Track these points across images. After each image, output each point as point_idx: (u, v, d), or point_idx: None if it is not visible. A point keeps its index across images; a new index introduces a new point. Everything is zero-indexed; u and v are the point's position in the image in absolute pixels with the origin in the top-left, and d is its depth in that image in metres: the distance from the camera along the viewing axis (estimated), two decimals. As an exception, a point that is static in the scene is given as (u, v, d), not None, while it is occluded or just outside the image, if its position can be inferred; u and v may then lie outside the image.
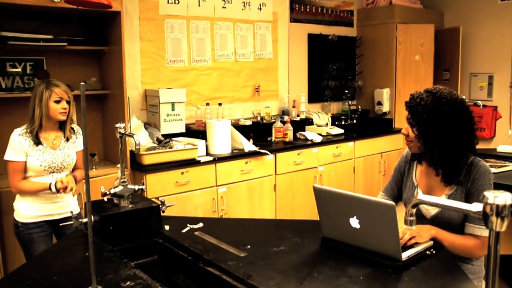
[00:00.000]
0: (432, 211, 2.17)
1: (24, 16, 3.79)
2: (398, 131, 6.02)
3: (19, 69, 3.93)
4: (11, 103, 3.81)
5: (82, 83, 1.53)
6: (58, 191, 2.82)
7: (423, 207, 2.20)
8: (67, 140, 3.01)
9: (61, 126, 3.01)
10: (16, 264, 3.33)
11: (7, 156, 2.84)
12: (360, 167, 5.60)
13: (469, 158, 2.13)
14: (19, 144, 2.82)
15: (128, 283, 1.64)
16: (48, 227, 2.95)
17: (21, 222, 2.90)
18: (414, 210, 1.27)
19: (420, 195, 1.15)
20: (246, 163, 4.49)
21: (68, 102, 2.93)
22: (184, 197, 4.07)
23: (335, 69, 6.24)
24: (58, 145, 2.96)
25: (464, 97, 2.20)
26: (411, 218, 1.30)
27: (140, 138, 4.16)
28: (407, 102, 2.17)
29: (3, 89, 3.85)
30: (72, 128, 3.07)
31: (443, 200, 1.14)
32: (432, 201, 1.14)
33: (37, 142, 2.86)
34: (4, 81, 3.86)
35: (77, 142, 3.08)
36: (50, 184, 2.84)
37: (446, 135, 2.06)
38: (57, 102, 2.87)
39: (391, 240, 1.76)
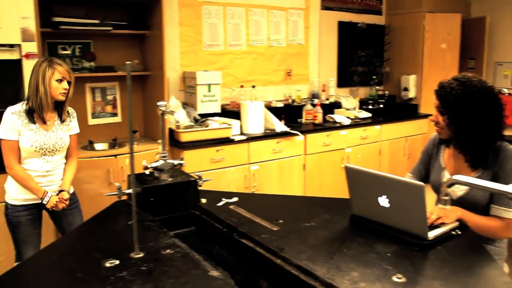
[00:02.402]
0: (458, 192, 2.10)
1: (73, 2, 3.81)
2: (424, 116, 5.90)
3: (69, 51, 3.98)
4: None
5: (128, 62, 1.52)
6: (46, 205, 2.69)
7: (450, 188, 2.13)
8: (62, 122, 2.79)
9: (56, 107, 2.77)
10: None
11: (0, 134, 2.63)
12: (386, 150, 5.50)
13: (496, 143, 2.05)
14: (12, 122, 2.60)
15: (168, 251, 1.64)
16: (37, 210, 2.77)
17: (10, 204, 2.72)
18: (449, 190, 1.22)
19: (455, 176, 1.10)
20: (278, 142, 4.46)
21: (69, 83, 2.70)
22: (218, 173, 4.07)
23: (364, 56, 6.12)
24: (51, 126, 2.73)
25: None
26: (446, 198, 1.25)
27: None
28: (437, 91, 2.08)
29: (54, 69, 3.90)
30: (67, 111, 2.84)
31: (478, 180, 1.09)
32: (467, 181, 1.09)
33: (32, 121, 2.65)
34: (55, 61, 3.90)
35: (71, 125, 2.86)
36: (45, 193, 2.68)
37: (477, 123, 1.98)
38: (59, 81, 2.65)
39: (419, 220, 1.71)
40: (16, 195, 2.71)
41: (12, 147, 2.63)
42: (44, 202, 2.69)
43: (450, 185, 1.23)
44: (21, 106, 2.66)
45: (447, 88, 2.02)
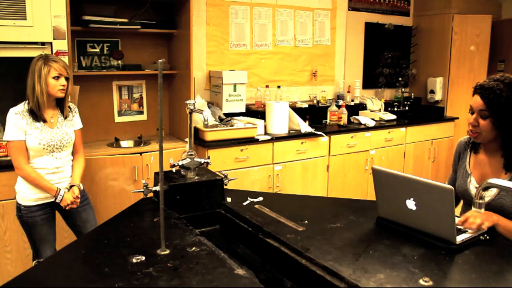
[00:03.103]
0: (485, 198, 2.06)
1: (103, 1, 3.86)
2: (450, 119, 5.81)
3: (97, 50, 4.04)
4: (89, 80, 3.93)
5: (160, 61, 1.54)
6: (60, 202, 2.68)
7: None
8: (65, 118, 2.77)
9: (58, 104, 2.75)
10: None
11: (7, 136, 2.60)
12: (411, 153, 5.43)
13: None
14: (17, 123, 2.58)
15: (193, 248, 1.65)
16: (51, 209, 2.76)
17: (23, 205, 2.68)
18: (484, 193, 1.20)
19: (491, 180, 1.07)
20: (302, 143, 4.45)
21: (66, 79, 2.66)
22: (242, 172, 4.08)
23: (390, 57, 6.06)
24: (55, 123, 2.71)
25: None
26: (481, 201, 1.23)
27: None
28: (484, 93, 1.98)
29: (83, 67, 3.96)
30: (69, 106, 2.80)
31: (513, 184, 1.06)
32: (503, 184, 1.07)
33: (37, 119, 2.62)
34: (84, 60, 3.97)
35: (75, 121, 2.84)
36: (58, 190, 2.68)
37: None
38: (56, 78, 2.60)
39: (447, 223, 1.69)
40: (29, 195, 2.69)
41: (20, 147, 2.60)
42: (58, 200, 2.69)
43: (485, 188, 1.20)
44: (23, 106, 2.63)
45: (496, 90, 1.95)
